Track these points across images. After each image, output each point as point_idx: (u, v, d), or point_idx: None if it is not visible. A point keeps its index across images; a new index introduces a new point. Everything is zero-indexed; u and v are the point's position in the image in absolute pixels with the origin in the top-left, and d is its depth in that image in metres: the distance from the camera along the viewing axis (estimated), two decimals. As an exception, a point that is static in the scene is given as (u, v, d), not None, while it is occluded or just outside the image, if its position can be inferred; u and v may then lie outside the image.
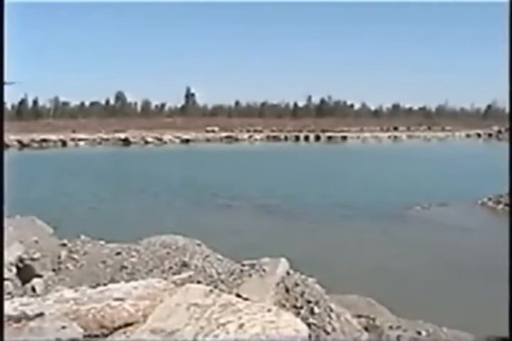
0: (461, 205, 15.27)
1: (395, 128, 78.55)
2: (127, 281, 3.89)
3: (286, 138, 64.75)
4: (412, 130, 78.27)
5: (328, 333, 4.41)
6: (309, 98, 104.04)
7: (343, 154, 41.69)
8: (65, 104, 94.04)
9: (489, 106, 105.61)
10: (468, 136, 72.96)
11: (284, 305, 4.64)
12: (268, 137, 65.22)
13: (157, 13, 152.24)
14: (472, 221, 13.48)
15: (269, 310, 2.51)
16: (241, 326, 2.33)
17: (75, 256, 6.11)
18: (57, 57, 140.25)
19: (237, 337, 2.26)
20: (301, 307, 4.69)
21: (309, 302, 4.75)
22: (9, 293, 5.08)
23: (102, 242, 6.67)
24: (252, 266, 5.13)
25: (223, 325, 2.33)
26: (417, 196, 16.50)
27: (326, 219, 13.43)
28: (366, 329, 4.95)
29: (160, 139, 58.26)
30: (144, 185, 21.07)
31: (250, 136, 64.69)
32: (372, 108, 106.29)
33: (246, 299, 3.90)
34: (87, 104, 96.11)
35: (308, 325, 4.37)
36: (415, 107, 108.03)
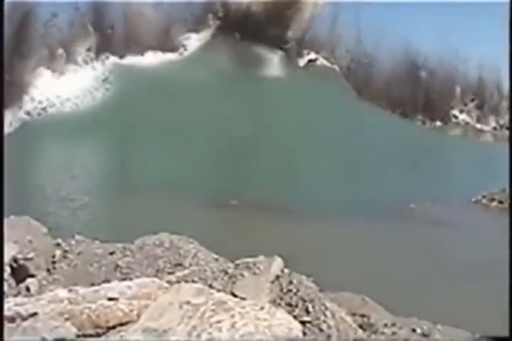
0: (455, 203, 15.29)
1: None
2: (121, 281, 3.88)
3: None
4: (407, 128, 78.15)
5: (322, 331, 4.42)
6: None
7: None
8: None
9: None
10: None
11: (279, 304, 4.64)
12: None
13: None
14: (467, 219, 13.51)
15: (261, 308, 2.51)
16: (234, 324, 2.33)
17: (70, 255, 6.08)
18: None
19: (229, 336, 2.26)
20: (296, 306, 4.69)
21: (304, 300, 4.75)
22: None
23: (97, 242, 6.63)
24: (246, 264, 5.13)
25: (216, 323, 2.34)
26: (412, 193, 16.43)
27: (317, 216, 13.13)
28: (361, 326, 4.95)
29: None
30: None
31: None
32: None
33: (242, 298, 3.90)
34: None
35: (303, 323, 4.38)
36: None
